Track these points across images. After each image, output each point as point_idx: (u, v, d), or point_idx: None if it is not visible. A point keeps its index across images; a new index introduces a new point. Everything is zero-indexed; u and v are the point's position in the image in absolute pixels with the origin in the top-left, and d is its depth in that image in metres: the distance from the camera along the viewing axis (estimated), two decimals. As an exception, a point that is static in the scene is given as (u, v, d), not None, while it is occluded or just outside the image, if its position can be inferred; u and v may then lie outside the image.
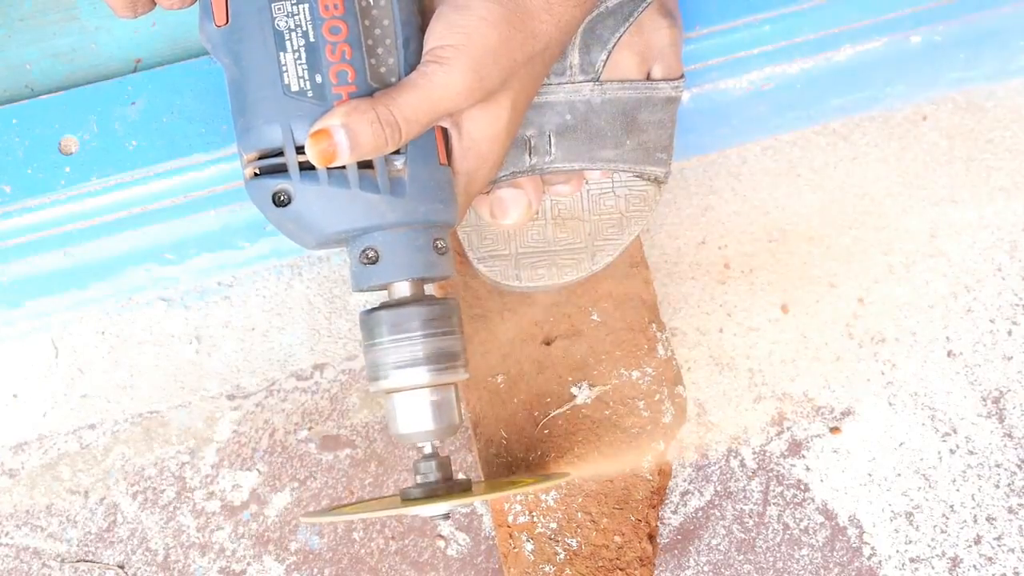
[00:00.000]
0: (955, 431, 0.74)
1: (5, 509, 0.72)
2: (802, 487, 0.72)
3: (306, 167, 0.55)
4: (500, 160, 0.59)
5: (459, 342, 0.58)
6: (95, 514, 0.72)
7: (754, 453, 0.73)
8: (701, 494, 0.72)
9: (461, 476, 0.61)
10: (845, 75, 0.78)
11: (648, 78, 0.67)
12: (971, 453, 0.73)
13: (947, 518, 0.72)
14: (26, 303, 0.74)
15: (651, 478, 0.67)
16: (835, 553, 0.71)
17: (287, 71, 0.55)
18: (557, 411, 0.68)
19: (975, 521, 0.72)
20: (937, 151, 0.79)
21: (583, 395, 0.68)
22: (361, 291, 0.58)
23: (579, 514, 0.66)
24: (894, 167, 0.79)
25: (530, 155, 0.66)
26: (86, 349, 0.75)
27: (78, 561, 0.71)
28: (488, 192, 0.68)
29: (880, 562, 0.71)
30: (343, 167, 0.54)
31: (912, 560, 0.71)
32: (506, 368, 0.68)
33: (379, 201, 0.55)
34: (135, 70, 0.74)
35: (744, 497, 0.72)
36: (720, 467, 0.73)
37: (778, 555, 0.71)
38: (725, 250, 0.77)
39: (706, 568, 0.71)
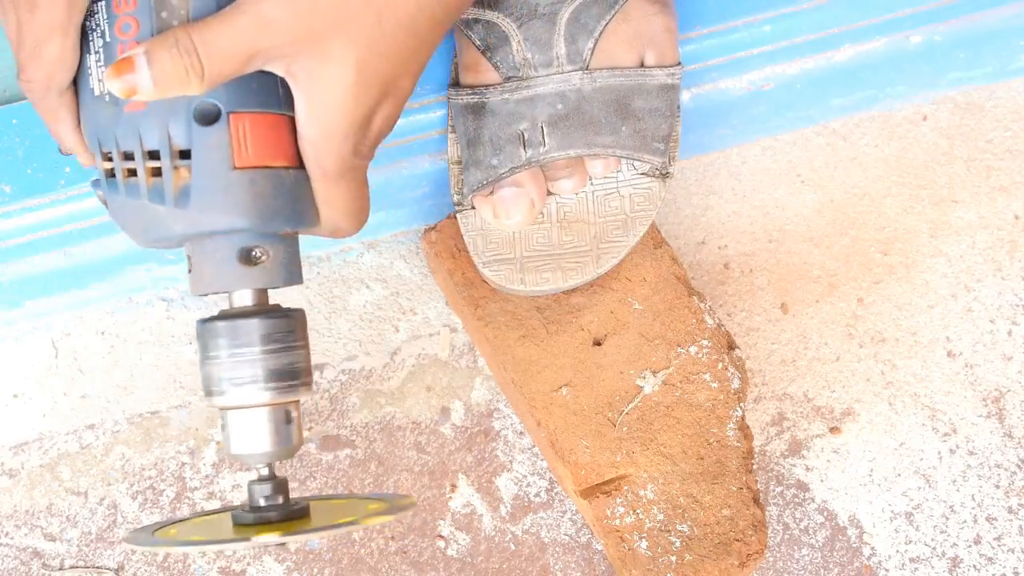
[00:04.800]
0: (955, 431, 0.74)
1: (5, 509, 0.72)
2: (802, 487, 0.72)
3: (110, 175, 0.52)
4: (352, 137, 0.52)
5: (302, 358, 0.54)
6: (95, 514, 0.72)
7: (754, 453, 0.73)
8: (701, 494, 0.72)
9: (302, 497, 0.57)
10: (845, 75, 0.78)
11: (641, 65, 0.67)
12: (971, 453, 0.73)
13: (947, 518, 0.72)
14: (26, 303, 0.74)
15: (738, 444, 0.67)
16: (835, 553, 0.71)
17: (91, 74, 0.52)
18: (629, 406, 0.67)
19: (975, 521, 0.72)
20: (937, 151, 0.79)
21: (649, 384, 0.68)
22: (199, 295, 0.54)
23: (681, 499, 0.66)
24: (894, 167, 0.79)
25: (525, 148, 0.66)
26: (86, 349, 0.75)
27: (72, 568, 0.71)
28: (490, 193, 0.68)
29: (880, 562, 0.71)
30: (135, 175, 0.51)
31: (912, 560, 0.71)
32: (566, 379, 0.68)
33: (166, 213, 0.51)
34: (135, 70, 0.74)
35: (744, 497, 0.72)
36: (720, 467, 0.73)
37: (778, 555, 0.71)
38: (725, 250, 0.77)
39: (706, 568, 0.71)
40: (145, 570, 0.71)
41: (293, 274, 0.55)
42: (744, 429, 0.68)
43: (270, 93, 0.52)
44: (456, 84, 0.71)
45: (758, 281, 0.76)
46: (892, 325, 0.76)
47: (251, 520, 0.53)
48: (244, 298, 0.54)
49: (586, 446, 0.67)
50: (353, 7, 0.50)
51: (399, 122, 0.73)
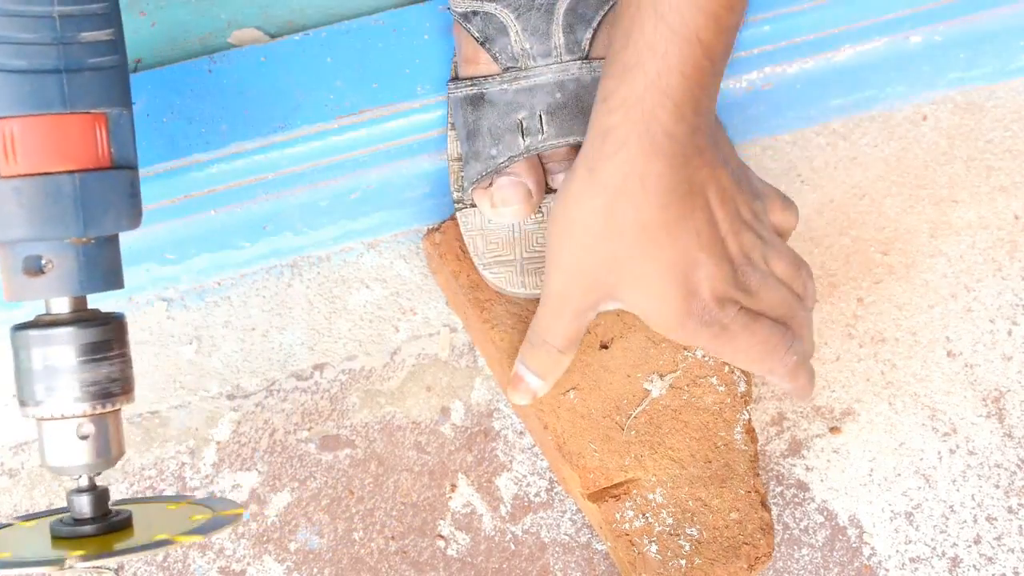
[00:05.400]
0: (955, 431, 0.74)
1: (5, 509, 0.72)
2: (802, 487, 0.72)
3: None
4: (679, 320, 0.62)
5: (120, 368, 0.53)
6: (95, 514, 0.72)
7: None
8: (701, 494, 0.72)
9: (126, 507, 0.56)
10: (845, 75, 0.78)
11: None
12: (971, 453, 0.73)
13: (947, 518, 0.72)
14: (26, 303, 0.74)
15: (746, 448, 0.67)
16: (835, 553, 0.71)
17: None
18: (637, 410, 0.67)
19: (975, 521, 0.72)
20: (937, 151, 0.79)
21: (657, 387, 0.68)
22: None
23: (690, 502, 0.66)
24: (894, 167, 0.79)
25: (523, 137, 0.67)
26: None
27: (71, 567, 0.71)
28: (488, 186, 0.68)
29: (880, 562, 0.71)
30: None
31: (912, 560, 0.71)
32: (573, 383, 0.67)
33: None
34: (135, 70, 0.74)
35: (744, 497, 0.72)
36: (720, 467, 0.73)
37: (778, 555, 0.71)
38: (725, 250, 0.77)
39: (706, 568, 0.71)
40: (145, 569, 0.71)
41: (97, 281, 0.52)
42: (751, 432, 0.68)
43: (49, 91, 0.50)
44: (455, 78, 0.71)
45: (758, 281, 0.76)
46: (892, 325, 0.76)
47: (67, 533, 0.52)
48: (61, 304, 0.52)
49: (594, 449, 0.67)
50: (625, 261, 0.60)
51: (399, 122, 0.74)
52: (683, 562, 0.65)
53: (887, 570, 0.71)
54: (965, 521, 0.72)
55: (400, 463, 0.73)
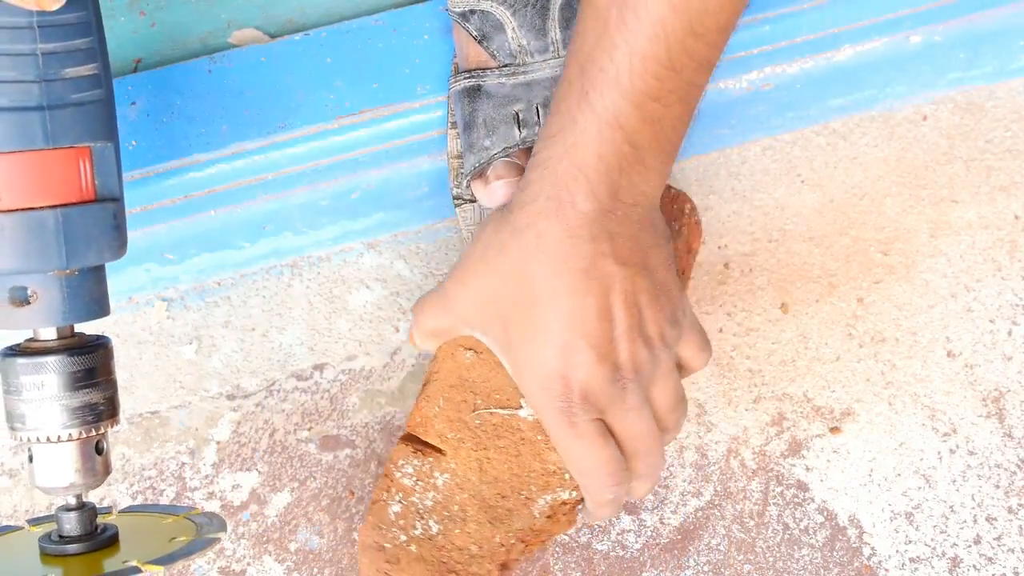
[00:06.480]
0: (955, 431, 0.74)
1: (5, 509, 0.72)
2: (802, 487, 0.72)
3: None
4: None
5: (106, 392, 0.54)
6: (95, 514, 0.72)
7: (754, 453, 0.73)
8: (701, 494, 0.72)
9: (111, 521, 0.58)
10: (845, 75, 0.78)
11: None
12: (971, 453, 0.73)
13: (947, 518, 0.72)
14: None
15: (536, 517, 0.65)
16: (835, 553, 0.71)
17: None
18: (497, 410, 0.65)
19: (975, 521, 0.72)
20: (937, 151, 0.79)
21: (528, 412, 0.65)
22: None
23: (455, 507, 0.65)
24: (894, 167, 0.79)
25: (519, 128, 0.67)
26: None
27: None
28: (484, 178, 0.68)
29: (880, 562, 0.71)
30: None
31: (912, 560, 0.71)
32: (481, 350, 0.65)
33: None
34: (135, 70, 0.74)
35: (744, 497, 0.72)
36: (720, 467, 0.73)
37: (778, 555, 0.71)
38: (725, 250, 0.77)
39: (706, 568, 0.71)
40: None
41: (80, 311, 0.53)
42: (554, 515, 0.65)
43: (32, 128, 0.51)
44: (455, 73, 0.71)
45: (758, 281, 0.76)
46: (892, 325, 0.76)
47: (53, 551, 0.54)
48: (48, 332, 0.53)
49: (440, 407, 0.65)
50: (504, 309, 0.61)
51: (399, 122, 0.74)
52: (403, 538, 0.64)
53: (887, 570, 0.71)
54: (965, 521, 0.72)
55: (400, 463, 0.73)
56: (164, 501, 0.72)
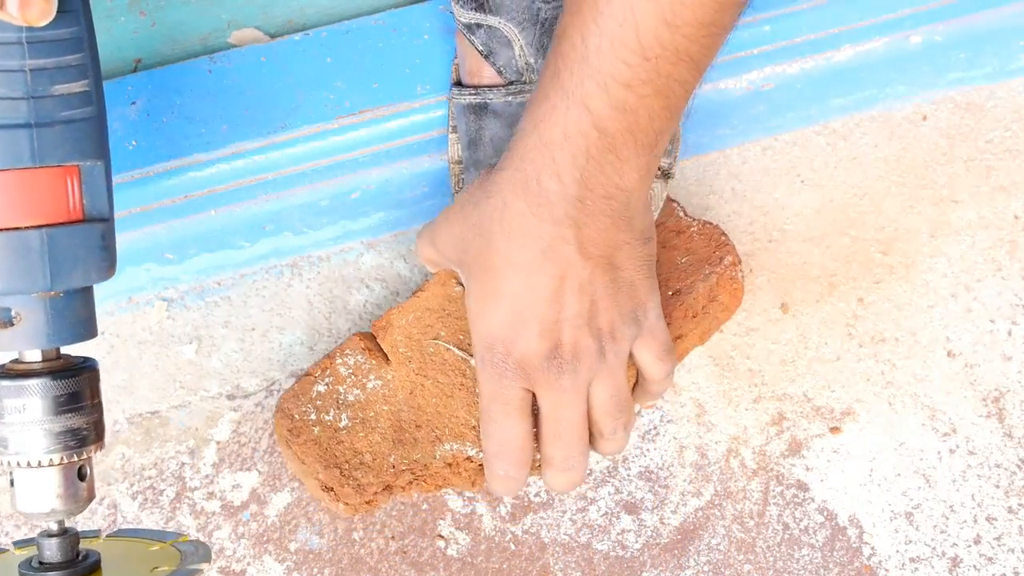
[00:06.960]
0: (955, 431, 0.74)
1: (5, 509, 0.72)
2: (802, 487, 0.72)
3: None
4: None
5: (90, 417, 0.52)
6: (95, 514, 0.72)
7: (754, 453, 0.73)
8: (701, 494, 0.72)
9: (93, 546, 0.56)
10: (845, 75, 0.78)
11: None
12: (971, 453, 0.73)
13: (947, 518, 0.72)
14: None
15: (437, 458, 0.65)
16: (835, 553, 0.71)
17: None
18: (455, 350, 0.66)
19: (975, 521, 0.72)
20: (937, 151, 0.79)
21: None
22: None
23: (372, 413, 0.66)
24: (894, 167, 0.79)
25: None
26: (86, 349, 0.75)
27: None
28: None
29: (880, 562, 0.71)
30: None
31: (912, 560, 0.71)
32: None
33: None
34: (135, 70, 0.74)
35: (744, 497, 0.72)
36: (720, 467, 0.73)
37: (778, 555, 0.71)
38: (725, 250, 0.77)
39: (706, 568, 0.71)
40: (145, 570, 0.71)
41: (66, 333, 0.52)
42: (457, 469, 0.66)
43: (18, 145, 0.50)
44: (459, 84, 0.71)
45: (758, 281, 0.76)
46: (892, 325, 0.76)
47: None
48: (33, 354, 0.52)
49: (407, 322, 0.67)
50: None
51: (399, 122, 0.74)
52: (313, 416, 0.66)
53: (887, 570, 0.71)
54: (965, 521, 0.72)
55: (400, 463, 0.73)
56: (164, 501, 0.72)
